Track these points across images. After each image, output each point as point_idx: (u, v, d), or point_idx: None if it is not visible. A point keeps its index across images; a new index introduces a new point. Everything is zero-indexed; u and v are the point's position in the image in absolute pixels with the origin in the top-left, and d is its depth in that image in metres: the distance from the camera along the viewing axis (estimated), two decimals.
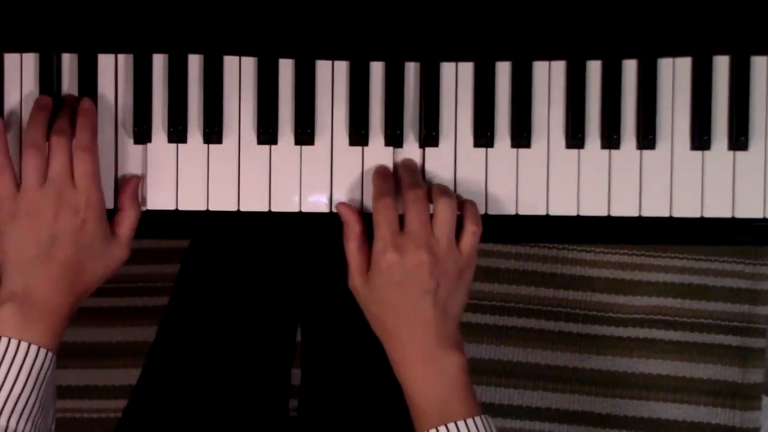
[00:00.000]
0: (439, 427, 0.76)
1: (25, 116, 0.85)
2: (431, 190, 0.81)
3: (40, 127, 0.80)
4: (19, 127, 0.85)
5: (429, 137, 0.85)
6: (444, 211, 0.79)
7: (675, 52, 0.86)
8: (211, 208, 0.85)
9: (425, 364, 0.78)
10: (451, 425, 0.76)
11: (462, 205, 0.82)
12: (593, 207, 0.85)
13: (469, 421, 0.76)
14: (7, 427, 0.74)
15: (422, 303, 0.78)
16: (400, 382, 0.80)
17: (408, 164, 0.85)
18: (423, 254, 0.78)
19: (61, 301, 0.79)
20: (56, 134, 0.79)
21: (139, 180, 0.84)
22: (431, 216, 0.79)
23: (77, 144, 0.80)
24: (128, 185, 0.83)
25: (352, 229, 0.82)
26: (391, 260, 0.78)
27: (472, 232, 0.81)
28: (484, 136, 0.85)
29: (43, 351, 0.77)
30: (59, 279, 0.78)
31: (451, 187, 0.85)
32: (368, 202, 0.85)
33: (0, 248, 0.80)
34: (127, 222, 0.83)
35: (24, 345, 0.76)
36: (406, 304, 0.78)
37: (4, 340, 0.76)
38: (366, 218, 0.82)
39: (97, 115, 0.83)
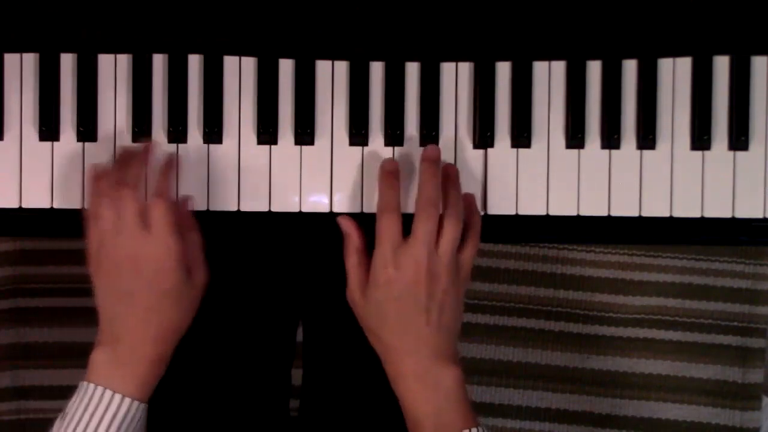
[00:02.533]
0: None
1: (25, 116, 0.85)
2: (444, 206, 0.80)
3: (112, 177, 0.80)
4: (19, 126, 0.85)
5: (429, 137, 0.85)
6: (451, 233, 0.79)
7: (675, 52, 0.86)
8: (211, 208, 0.85)
9: (421, 378, 0.78)
10: None
11: (468, 214, 0.82)
12: (593, 207, 0.85)
13: None
14: None
15: (420, 319, 0.78)
16: (397, 395, 0.80)
17: (431, 172, 0.81)
18: (423, 273, 0.78)
19: (149, 350, 0.79)
20: (121, 186, 0.78)
21: (192, 201, 0.84)
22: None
23: (156, 191, 0.79)
24: (183, 208, 0.83)
25: (353, 243, 0.82)
26: (391, 276, 0.78)
27: (473, 244, 0.81)
28: (484, 136, 0.85)
29: (128, 400, 0.77)
30: (144, 328, 0.79)
31: None
32: (368, 202, 0.85)
33: (95, 296, 0.81)
34: (194, 248, 0.82)
35: (108, 393, 0.77)
36: (404, 320, 0.78)
37: (92, 386, 0.77)
38: (363, 219, 0.82)
39: (177, 164, 0.84)
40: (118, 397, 0.77)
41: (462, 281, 0.81)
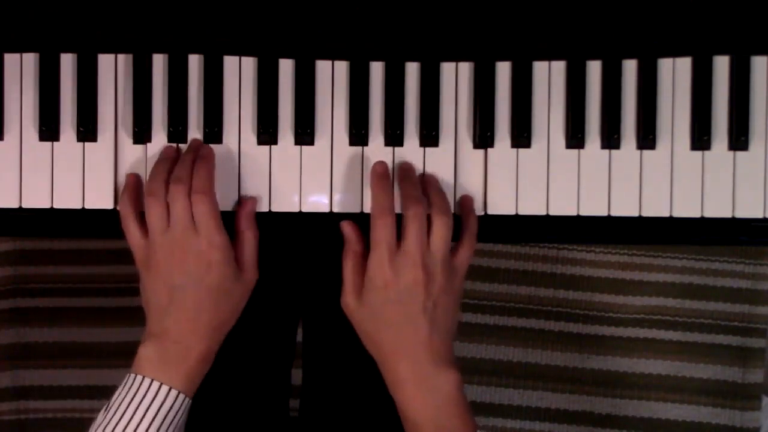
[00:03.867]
0: None
1: (25, 116, 0.85)
2: (430, 205, 0.81)
3: (160, 177, 0.81)
4: (19, 126, 0.85)
5: (429, 137, 0.85)
6: (441, 230, 0.79)
7: (675, 52, 0.86)
8: None
9: (419, 382, 0.78)
10: None
11: (465, 215, 0.83)
12: (593, 207, 0.85)
13: None
14: None
15: (417, 321, 0.78)
16: (396, 401, 0.80)
17: (408, 174, 0.84)
18: (419, 273, 0.78)
19: (196, 345, 0.80)
20: (174, 182, 0.80)
21: (255, 203, 0.84)
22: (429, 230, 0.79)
23: (194, 188, 0.80)
24: (243, 211, 0.84)
25: (353, 248, 0.82)
26: (388, 279, 0.78)
27: (468, 246, 0.82)
28: (484, 136, 0.85)
29: (174, 392, 0.78)
30: (193, 323, 0.79)
31: (451, 187, 0.85)
32: (368, 202, 0.85)
33: (141, 293, 0.82)
34: (248, 248, 0.83)
35: (155, 384, 0.77)
36: (402, 323, 0.79)
37: (138, 378, 0.78)
38: (364, 219, 0.82)
39: (214, 159, 0.84)
40: (165, 388, 0.78)
41: (457, 282, 0.81)
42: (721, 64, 0.86)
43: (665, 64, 0.86)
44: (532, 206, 0.86)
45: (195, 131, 0.85)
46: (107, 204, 0.85)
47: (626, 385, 1.60)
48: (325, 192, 0.85)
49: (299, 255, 1.03)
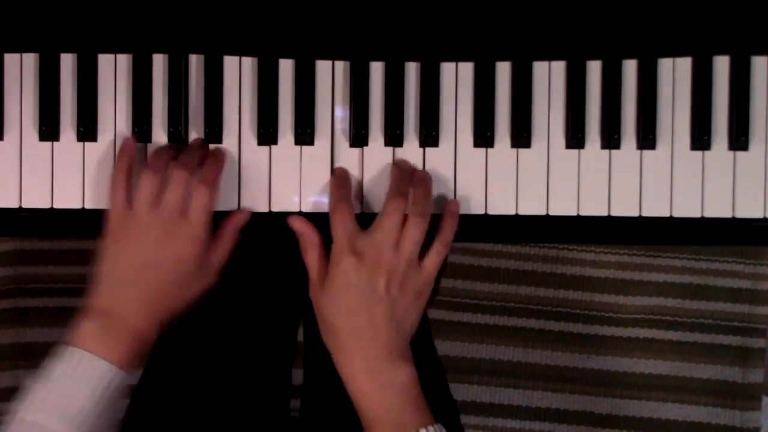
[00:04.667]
0: None
1: (25, 116, 0.85)
2: (412, 204, 0.81)
3: (165, 155, 0.81)
4: (19, 126, 0.85)
5: (429, 137, 0.85)
6: (413, 231, 0.79)
7: (675, 52, 0.86)
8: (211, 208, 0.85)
9: (375, 376, 0.78)
10: None
11: (443, 220, 0.83)
12: (593, 207, 0.85)
13: (422, 431, 0.76)
14: None
15: (375, 313, 0.78)
16: (351, 396, 0.79)
17: (401, 167, 0.84)
18: (382, 264, 0.78)
19: (143, 325, 0.79)
20: (179, 166, 0.80)
21: (247, 216, 0.85)
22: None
23: (203, 178, 0.81)
24: (233, 219, 0.84)
25: (309, 239, 0.82)
26: (348, 264, 0.78)
27: (437, 252, 0.81)
28: (484, 136, 0.85)
29: (113, 368, 0.77)
30: (147, 304, 0.79)
31: (451, 187, 0.85)
32: (368, 202, 0.85)
33: (100, 262, 0.81)
34: (221, 252, 0.83)
35: (93, 358, 0.77)
36: (359, 312, 0.79)
37: (79, 352, 0.77)
38: (364, 218, 0.82)
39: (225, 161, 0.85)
40: (105, 363, 0.77)
41: (423, 286, 0.81)
42: (721, 64, 0.86)
43: (665, 64, 0.86)
44: (532, 206, 0.85)
45: (195, 131, 0.85)
46: (99, 204, 0.85)
47: (626, 385, 1.60)
48: (325, 192, 0.85)
49: (299, 255, 1.03)
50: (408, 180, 0.82)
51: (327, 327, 0.81)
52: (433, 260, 0.81)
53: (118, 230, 0.80)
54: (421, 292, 0.81)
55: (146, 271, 0.79)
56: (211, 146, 0.85)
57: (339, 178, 0.84)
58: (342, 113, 0.85)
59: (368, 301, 0.78)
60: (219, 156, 0.84)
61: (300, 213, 0.85)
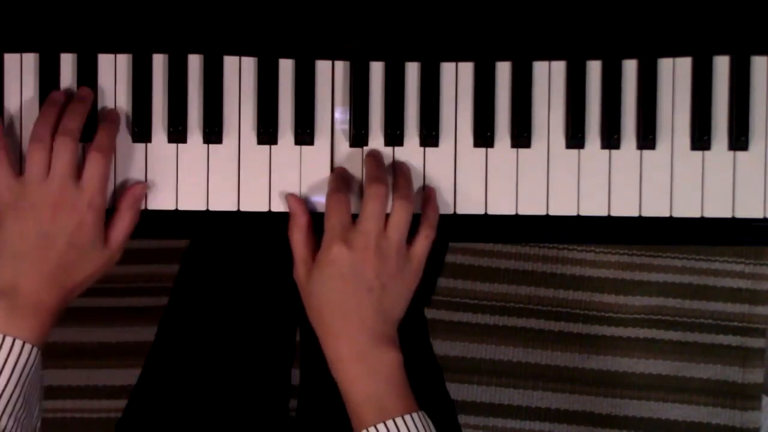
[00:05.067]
0: (377, 425, 0.76)
1: (25, 116, 0.85)
2: (394, 190, 0.81)
3: (48, 123, 0.80)
4: (19, 127, 0.85)
5: (429, 137, 0.85)
6: (399, 215, 0.79)
7: (675, 52, 0.86)
8: (211, 208, 0.85)
9: (360, 360, 0.78)
10: (389, 422, 0.76)
11: (424, 206, 0.83)
12: (593, 207, 0.85)
13: (407, 417, 0.76)
14: None
15: (363, 300, 0.78)
16: (336, 380, 0.80)
17: (374, 156, 0.84)
18: (371, 252, 0.78)
19: (48, 299, 0.78)
20: (62, 134, 0.79)
21: (144, 188, 0.84)
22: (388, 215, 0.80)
23: (96, 145, 0.80)
24: (129, 192, 0.83)
25: (298, 220, 0.82)
26: (338, 253, 0.78)
27: (425, 236, 0.81)
28: (484, 136, 0.85)
29: (28, 346, 0.76)
30: (48, 276, 0.78)
31: (451, 187, 0.85)
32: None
33: None
34: (121, 227, 0.82)
35: (9, 340, 0.75)
36: (347, 299, 0.78)
37: None
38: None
39: (120, 120, 0.84)
40: (19, 343, 0.75)
41: (412, 272, 0.81)
42: (721, 64, 0.86)
43: (665, 64, 0.86)
44: (532, 206, 0.85)
45: (195, 131, 0.85)
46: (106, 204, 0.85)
47: (626, 385, 1.60)
48: (324, 192, 0.85)
49: None
50: (383, 167, 0.83)
51: (314, 312, 0.81)
52: (421, 244, 0.81)
53: (10, 203, 0.79)
54: (411, 279, 0.81)
55: (48, 242, 0.77)
56: (108, 108, 0.84)
57: (339, 173, 0.84)
58: (341, 116, 0.85)
59: (357, 290, 0.78)
60: (111, 119, 0.83)
61: None
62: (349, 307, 0.79)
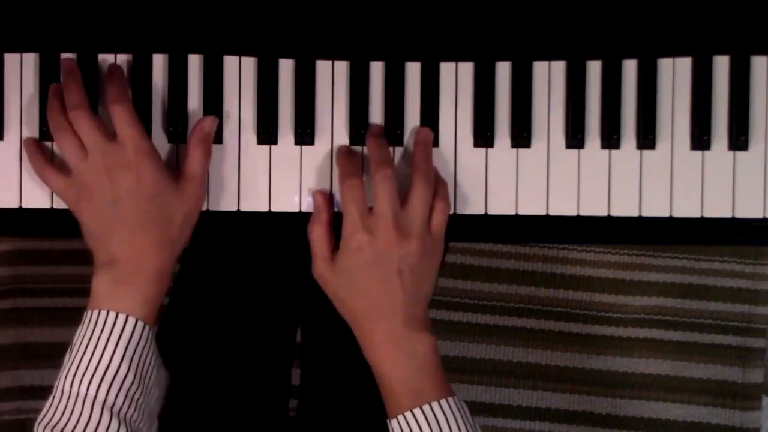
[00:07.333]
0: (414, 410, 0.76)
1: (25, 116, 0.85)
2: (412, 170, 0.81)
3: (58, 110, 0.80)
4: (19, 127, 0.85)
5: None
6: (421, 193, 0.79)
7: (675, 52, 0.86)
8: (211, 208, 0.85)
9: (395, 345, 0.78)
10: (426, 407, 0.76)
11: (435, 185, 0.82)
12: (593, 207, 0.85)
13: (443, 402, 0.76)
14: (96, 396, 0.74)
15: (393, 283, 0.78)
16: (371, 364, 0.79)
17: (375, 136, 0.84)
18: (393, 234, 0.78)
19: (147, 263, 0.77)
20: (71, 110, 0.79)
21: (214, 121, 0.83)
22: (405, 195, 0.79)
23: (111, 98, 0.80)
24: (198, 126, 0.82)
25: (320, 216, 0.82)
26: (362, 240, 0.78)
27: (440, 209, 0.81)
28: (484, 136, 0.85)
29: (132, 319, 0.75)
30: (138, 240, 0.77)
31: (451, 187, 0.85)
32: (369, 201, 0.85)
33: (83, 233, 0.80)
34: (194, 160, 0.81)
35: (113, 314, 0.75)
36: (377, 286, 0.78)
37: (95, 312, 0.76)
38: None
39: (125, 75, 0.84)
40: (122, 316, 0.75)
41: (435, 247, 0.80)
42: (721, 64, 0.86)
43: (665, 64, 0.86)
44: (532, 206, 0.86)
45: None
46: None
47: (626, 385, 1.60)
48: (326, 190, 0.85)
49: (299, 255, 1.03)
50: (386, 147, 0.82)
51: (342, 304, 0.81)
52: (437, 219, 0.81)
53: (76, 200, 0.79)
54: (435, 255, 0.81)
55: (120, 208, 0.77)
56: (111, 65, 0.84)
57: (344, 152, 0.83)
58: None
59: (385, 275, 0.78)
60: (112, 71, 0.83)
61: (300, 213, 0.85)
62: (380, 294, 0.78)
